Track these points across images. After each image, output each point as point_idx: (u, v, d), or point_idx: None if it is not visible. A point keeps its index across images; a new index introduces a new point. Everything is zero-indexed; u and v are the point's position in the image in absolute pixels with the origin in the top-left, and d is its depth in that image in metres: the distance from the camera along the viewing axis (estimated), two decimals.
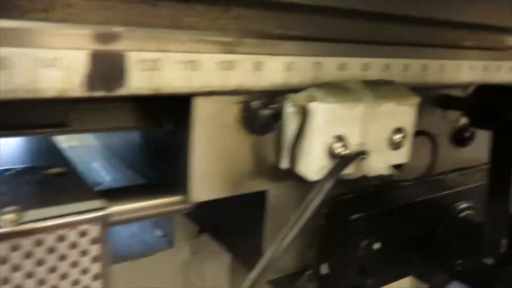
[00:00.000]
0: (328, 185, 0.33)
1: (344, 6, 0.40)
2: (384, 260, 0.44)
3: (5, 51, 0.25)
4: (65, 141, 0.93)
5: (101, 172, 0.79)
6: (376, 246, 0.43)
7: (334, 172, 0.34)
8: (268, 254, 0.32)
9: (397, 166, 0.42)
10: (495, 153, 0.42)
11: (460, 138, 0.53)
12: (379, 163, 0.36)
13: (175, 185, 0.37)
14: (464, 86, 0.51)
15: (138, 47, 0.28)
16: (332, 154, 0.35)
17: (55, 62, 0.26)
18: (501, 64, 0.54)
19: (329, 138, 0.35)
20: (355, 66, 0.40)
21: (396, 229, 0.44)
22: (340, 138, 0.35)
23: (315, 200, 0.33)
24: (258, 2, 0.35)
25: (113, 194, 0.38)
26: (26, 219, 0.27)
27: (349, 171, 0.37)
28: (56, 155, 0.44)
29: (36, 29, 0.26)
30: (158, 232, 0.61)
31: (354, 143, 0.36)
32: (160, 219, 0.61)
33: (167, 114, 0.36)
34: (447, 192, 0.49)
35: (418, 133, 0.43)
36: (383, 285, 0.46)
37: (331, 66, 0.38)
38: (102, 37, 0.27)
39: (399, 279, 0.48)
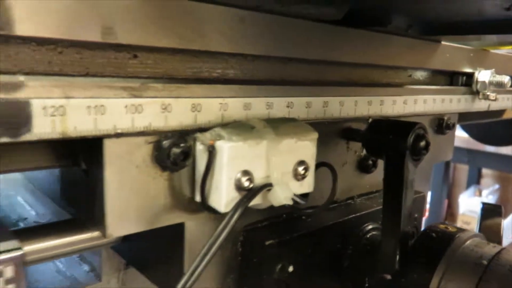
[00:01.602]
0: (236, 216, 0.37)
1: (249, 52, 0.44)
2: (298, 282, 0.48)
3: None
4: None
5: (25, 206, 0.77)
6: (290, 269, 0.46)
7: (241, 203, 0.37)
8: (182, 282, 0.34)
9: (304, 195, 0.46)
10: (387, 178, 0.48)
11: (364, 166, 0.59)
12: (283, 193, 0.40)
13: (93, 220, 0.38)
14: (366, 119, 0.57)
15: (42, 95, 0.30)
16: (240, 187, 0.38)
17: None
18: (395, 99, 0.61)
19: (236, 173, 0.38)
20: (260, 105, 0.44)
21: (308, 252, 0.48)
22: (246, 173, 0.39)
23: (225, 230, 0.36)
24: (164, 49, 0.39)
25: (30, 233, 0.39)
26: None
27: (257, 202, 0.40)
28: None
29: None
30: (85, 267, 0.61)
31: (260, 177, 0.40)
32: (86, 253, 0.61)
33: (83, 154, 0.38)
34: (353, 215, 0.53)
35: (320, 165, 0.47)
36: None
37: (237, 106, 0.42)
38: (6, 86, 0.29)
39: None
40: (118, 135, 0.34)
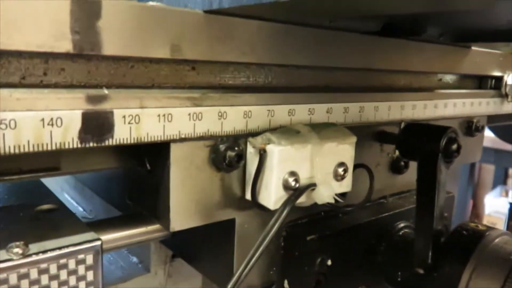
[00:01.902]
0: (284, 213, 0.41)
1: (293, 63, 0.48)
2: (336, 275, 0.52)
3: (14, 114, 0.31)
4: None
5: (73, 203, 0.83)
6: (329, 262, 0.50)
7: (289, 201, 0.41)
8: (238, 272, 0.38)
9: (343, 194, 0.50)
10: (420, 179, 0.51)
11: (397, 167, 0.62)
12: (326, 192, 0.44)
13: (157, 215, 0.43)
14: (398, 123, 0.60)
15: (122, 105, 0.35)
16: (287, 187, 0.43)
17: (56, 121, 0.32)
18: (427, 103, 0.64)
19: (284, 173, 0.42)
20: (303, 111, 0.48)
21: (345, 247, 0.52)
22: (293, 173, 0.43)
23: (275, 226, 0.40)
24: (218, 62, 0.43)
25: (100, 225, 0.44)
26: (31, 251, 0.33)
27: (302, 200, 0.44)
28: (43, 193, 0.49)
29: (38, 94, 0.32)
30: (134, 259, 0.66)
31: (305, 177, 0.44)
32: (134, 247, 0.67)
33: (148, 156, 0.42)
34: (387, 214, 0.57)
35: (358, 166, 0.51)
36: None
37: (282, 112, 0.46)
38: (92, 99, 0.34)
39: None
40: (182, 140, 0.39)
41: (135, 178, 0.47)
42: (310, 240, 0.48)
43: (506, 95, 0.81)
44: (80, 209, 0.80)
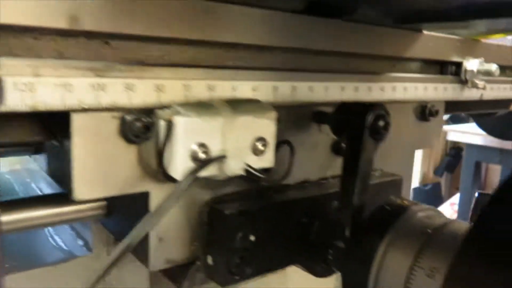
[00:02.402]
0: (188, 181, 0.41)
1: (218, 39, 0.49)
2: (262, 252, 0.52)
3: None
4: (8, 166, 0.99)
5: (37, 191, 0.85)
6: (252, 238, 0.50)
7: (194, 171, 0.42)
8: (127, 240, 0.39)
9: (266, 170, 0.50)
10: (346, 156, 0.51)
11: (337, 148, 0.62)
12: (236, 164, 0.44)
13: (67, 189, 0.44)
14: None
15: (14, 73, 0.35)
16: (196, 158, 0.43)
17: None
18: (371, 85, 0.64)
19: (191, 145, 0.43)
20: (225, 88, 0.48)
21: (271, 224, 0.52)
22: (202, 145, 0.43)
23: (175, 195, 0.41)
24: (135, 36, 0.44)
25: (10, 205, 0.45)
26: None
27: (214, 172, 0.45)
28: None
29: None
30: (80, 242, 0.67)
31: (216, 149, 0.44)
32: (81, 229, 0.68)
33: (58, 128, 0.43)
34: (321, 193, 0.57)
35: (282, 142, 0.51)
36: (265, 273, 0.53)
37: (200, 88, 0.46)
38: None
39: (281, 268, 0.55)
40: (85, 110, 0.40)
41: (52, 153, 0.48)
42: (230, 215, 0.48)
43: (466, 81, 0.80)
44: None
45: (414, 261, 0.43)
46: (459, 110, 0.93)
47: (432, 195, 3.89)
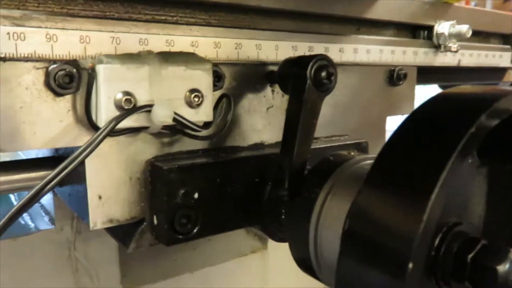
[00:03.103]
0: (108, 129, 0.41)
1: None
2: (210, 211, 0.50)
3: None
4: None
5: None
6: (196, 195, 0.49)
7: (116, 119, 0.41)
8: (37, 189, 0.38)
9: (206, 124, 0.49)
10: (288, 109, 0.50)
11: None
12: (162, 112, 0.43)
13: None
14: None
15: None
16: (121, 107, 0.42)
17: None
18: (328, 46, 0.62)
19: (115, 93, 0.42)
20: (159, 43, 0.48)
21: (218, 182, 0.51)
22: (127, 93, 0.43)
23: (94, 143, 0.40)
24: None
25: None
26: None
27: (142, 123, 0.44)
28: None
29: None
30: (46, 218, 0.67)
31: (143, 100, 0.44)
32: (47, 205, 0.68)
33: None
34: (273, 152, 0.55)
35: (222, 96, 0.50)
36: (213, 233, 0.52)
37: (130, 41, 0.46)
38: None
39: (234, 229, 0.54)
40: (3, 59, 0.40)
41: None
42: (169, 170, 0.47)
43: (439, 46, 0.78)
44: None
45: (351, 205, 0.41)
46: (437, 81, 0.90)
47: None
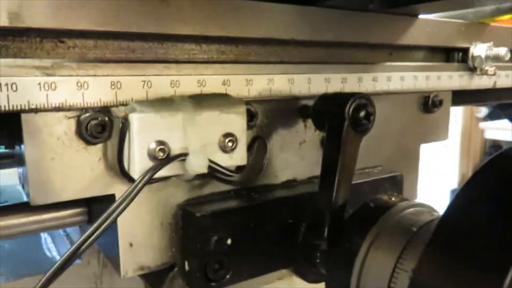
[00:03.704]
0: (143, 181, 0.39)
1: (176, 32, 0.46)
2: (243, 256, 0.48)
3: None
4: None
5: (24, 196, 0.85)
6: (229, 241, 0.47)
7: (150, 170, 0.39)
8: (76, 244, 0.37)
9: (239, 168, 0.47)
10: (326, 150, 0.47)
11: None
12: (197, 162, 0.41)
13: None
14: None
15: None
16: (154, 157, 0.41)
17: None
18: (362, 75, 0.60)
19: (149, 143, 0.40)
20: (190, 83, 0.46)
21: (251, 226, 0.49)
22: (161, 143, 0.41)
23: (130, 195, 0.38)
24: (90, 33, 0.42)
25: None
26: None
27: (177, 172, 0.42)
28: None
29: None
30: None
31: (177, 147, 0.42)
32: (73, 234, 0.67)
33: (17, 131, 0.42)
34: (308, 192, 0.53)
35: (255, 138, 0.48)
36: (246, 278, 0.50)
37: (162, 83, 0.44)
38: None
39: (266, 273, 0.52)
40: (34, 110, 0.38)
41: (19, 158, 0.46)
42: (202, 217, 0.45)
43: (475, 69, 0.74)
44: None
45: (396, 262, 0.39)
46: (472, 102, 0.87)
47: None
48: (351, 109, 0.47)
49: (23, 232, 0.49)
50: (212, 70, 0.48)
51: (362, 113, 0.47)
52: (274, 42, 0.54)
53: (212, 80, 0.48)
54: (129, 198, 0.38)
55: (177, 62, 0.46)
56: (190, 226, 0.46)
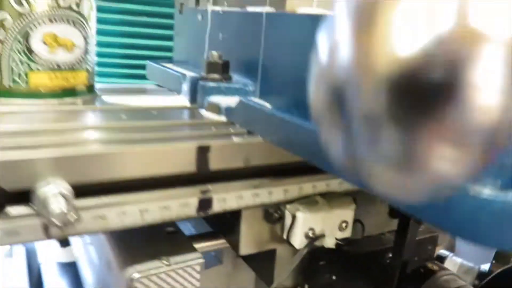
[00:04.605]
0: (303, 251, 0.71)
1: None
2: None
3: None
4: None
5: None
6: (333, 277, 0.80)
7: (308, 245, 0.72)
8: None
9: (345, 239, 0.79)
10: (397, 234, 0.79)
11: (391, 214, 0.89)
12: (330, 241, 0.74)
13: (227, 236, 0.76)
14: None
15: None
16: (307, 236, 0.73)
17: None
18: None
19: (306, 229, 0.73)
20: (322, 186, 0.77)
21: (348, 271, 0.81)
22: (311, 228, 0.73)
23: (297, 260, 0.71)
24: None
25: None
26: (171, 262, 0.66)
27: (318, 243, 0.75)
28: None
29: None
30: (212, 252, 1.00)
31: (319, 230, 0.74)
32: None
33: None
34: (385, 246, 0.85)
35: (356, 221, 0.80)
36: None
37: (308, 188, 0.75)
38: None
39: None
40: (248, 208, 0.71)
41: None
42: (322, 265, 0.78)
43: None
44: None
45: None
46: None
47: None
48: None
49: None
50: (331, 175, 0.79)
51: None
52: None
53: (333, 183, 0.79)
54: (298, 259, 0.71)
55: (313, 171, 0.77)
56: (313, 267, 0.79)
